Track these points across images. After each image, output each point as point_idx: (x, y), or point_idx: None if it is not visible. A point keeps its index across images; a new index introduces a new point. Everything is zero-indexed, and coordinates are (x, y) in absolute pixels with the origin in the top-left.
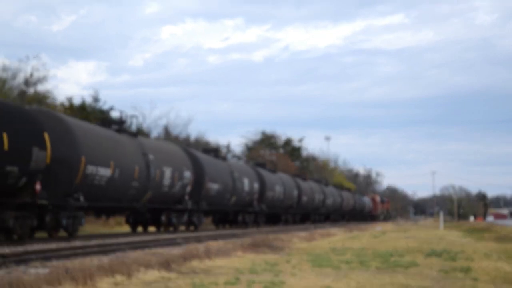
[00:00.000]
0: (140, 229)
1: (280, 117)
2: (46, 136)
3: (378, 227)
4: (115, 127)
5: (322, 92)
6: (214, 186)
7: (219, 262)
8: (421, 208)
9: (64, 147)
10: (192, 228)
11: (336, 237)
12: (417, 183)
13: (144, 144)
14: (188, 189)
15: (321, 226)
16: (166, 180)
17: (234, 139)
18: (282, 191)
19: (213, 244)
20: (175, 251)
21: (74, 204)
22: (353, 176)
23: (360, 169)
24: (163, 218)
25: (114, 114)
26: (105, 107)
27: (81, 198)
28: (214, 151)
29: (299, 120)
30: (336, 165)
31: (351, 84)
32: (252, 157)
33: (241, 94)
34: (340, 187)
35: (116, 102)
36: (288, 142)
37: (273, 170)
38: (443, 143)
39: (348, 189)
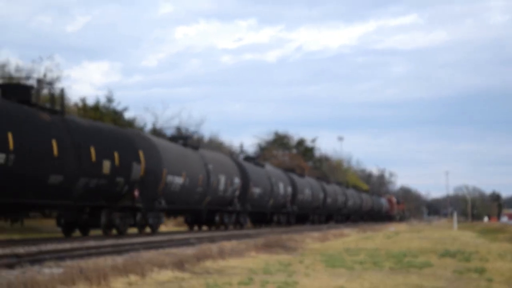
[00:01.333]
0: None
1: (293, 117)
2: (141, 153)
3: (392, 227)
4: (181, 141)
5: (334, 92)
6: (256, 190)
7: (232, 262)
8: (435, 209)
9: (152, 162)
10: (238, 226)
11: (349, 238)
12: (431, 183)
13: (205, 156)
14: (237, 193)
15: (335, 227)
16: (221, 186)
17: (247, 139)
18: (310, 194)
19: (227, 244)
20: (188, 251)
21: (158, 206)
22: (366, 176)
23: (373, 169)
24: (217, 218)
25: (128, 115)
26: (119, 107)
27: (163, 202)
28: (253, 159)
29: (312, 120)
30: (349, 166)
31: (364, 84)
32: (265, 158)
33: (254, 94)
34: (359, 189)
35: (129, 102)
36: (301, 142)
37: (302, 175)
38: (457, 143)
39: (366, 191)
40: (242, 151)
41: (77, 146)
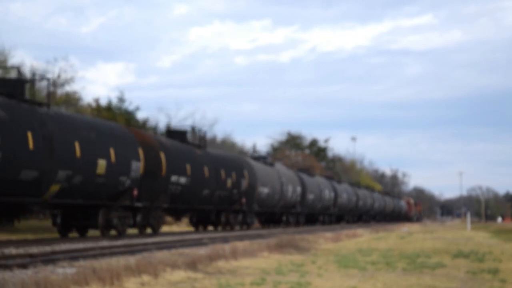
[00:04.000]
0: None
1: (306, 118)
2: (246, 172)
3: (405, 227)
4: (262, 160)
5: (348, 93)
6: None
7: (245, 262)
8: (448, 209)
9: (251, 177)
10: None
11: (362, 238)
12: (444, 184)
13: (279, 171)
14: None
15: (348, 227)
16: (289, 193)
17: (260, 140)
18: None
19: (239, 245)
20: (201, 251)
21: (254, 209)
22: (379, 177)
23: (387, 170)
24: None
25: (140, 115)
26: (131, 107)
27: (256, 206)
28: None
29: (325, 121)
30: (362, 166)
31: (378, 85)
32: (277, 158)
33: (268, 95)
34: (382, 192)
35: (144, 103)
36: (314, 142)
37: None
38: (470, 143)
39: (387, 193)
40: (255, 151)
41: (215, 170)
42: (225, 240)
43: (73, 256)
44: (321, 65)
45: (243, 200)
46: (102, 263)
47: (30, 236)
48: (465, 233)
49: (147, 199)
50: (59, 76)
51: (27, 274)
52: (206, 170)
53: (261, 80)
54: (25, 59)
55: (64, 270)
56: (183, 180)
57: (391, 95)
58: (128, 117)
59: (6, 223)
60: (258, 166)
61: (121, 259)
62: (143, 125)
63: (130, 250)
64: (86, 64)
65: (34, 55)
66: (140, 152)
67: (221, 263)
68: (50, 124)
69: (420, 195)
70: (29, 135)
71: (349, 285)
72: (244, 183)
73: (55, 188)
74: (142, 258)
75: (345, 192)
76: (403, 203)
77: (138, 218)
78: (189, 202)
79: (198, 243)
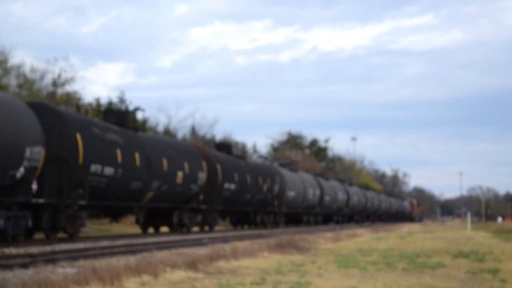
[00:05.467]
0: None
1: (306, 117)
2: (277, 179)
3: (405, 228)
4: (288, 167)
5: (348, 93)
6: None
7: (245, 262)
8: (448, 209)
9: (282, 184)
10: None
11: (362, 238)
12: (444, 184)
13: (302, 176)
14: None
15: (348, 227)
16: (310, 196)
17: (260, 140)
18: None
19: (239, 245)
20: (201, 251)
21: (283, 211)
22: (380, 177)
23: (387, 170)
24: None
25: (140, 115)
26: (131, 107)
27: (285, 208)
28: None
29: (325, 120)
30: (362, 166)
31: (378, 85)
32: (277, 158)
33: (268, 95)
34: (390, 194)
35: (144, 103)
36: (314, 142)
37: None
38: (471, 143)
39: (392, 195)
40: (255, 151)
41: (255, 177)
42: (226, 240)
43: (73, 256)
44: (321, 65)
45: (276, 202)
46: (102, 263)
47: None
48: (465, 233)
49: (208, 202)
50: (59, 76)
51: (27, 274)
52: (248, 178)
53: (261, 80)
54: (25, 59)
55: (64, 270)
56: (232, 186)
57: (391, 95)
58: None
59: (112, 221)
60: (285, 172)
61: (121, 259)
62: (143, 125)
63: (130, 250)
64: (86, 64)
65: (34, 55)
66: (204, 165)
67: (221, 263)
68: (148, 145)
69: (420, 195)
70: (137, 155)
71: (349, 285)
72: (276, 188)
73: (150, 195)
74: (142, 258)
75: (356, 194)
76: (406, 203)
77: (199, 218)
78: (236, 205)
79: (198, 243)
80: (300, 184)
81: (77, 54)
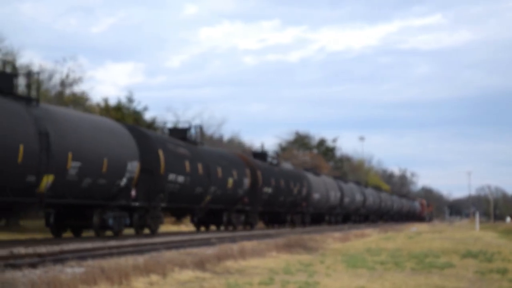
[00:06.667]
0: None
1: (314, 117)
2: (305, 183)
3: (413, 227)
4: (312, 171)
5: (356, 93)
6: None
7: (253, 262)
8: (457, 209)
9: (308, 187)
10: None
11: (370, 238)
12: (453, 184)
13: (325, 179)
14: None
15: (356, 227)
16: (332, 197)
17: (268, 140)
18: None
19: (247, 244)
20: (209, 251)
21: (309, 211)
22: (387, 177)
23: (395, 170)
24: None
25: (148, 115)
26: (139, 107)
27: (312, 209)
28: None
29: (333, 120)
30: (370, 166)
31: (386, 85)
32: (285, 157)
33: (276, 94)
34: (402, 195)
35: (152, 103)
36: (322, 142)
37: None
38: (479, 143)
39: (404, 195)
40: (262, 149)
41: (287, 181)
42: (233, 240)
43: (81, 255)
44: (329, 65)
45: (304, 203)
46: (111, 263)
47: (38, 236)
48: (473, 233)
49: (251, 204)
50: (67, 76)
51: (36, 273)
52: (281, 182)
53: (269, 80)
54: (34, 59)
55: (72, 270)
56: (269, 190)
57: (399, 95)
58: (136, 117)
59: (177, 220)
60: (311, 176)
61: (130, 258)
62: (151, 125)
63: (139, 250)
64: (95, 64)
65: (43, 55)
66: (247, 172)
67: (229, 263)
68: (206, 157)
69: (428, 195)
70: (199, 165)
71: (357, 285)
72: (304, 191)
73: (208, 198)
74: (150, 257)
75: (371, 196)
76: (417, 204)
77: (243, 217)
78: (272, 206)
79: (206, 242)
80: (323, 187)
81: (86, 54)
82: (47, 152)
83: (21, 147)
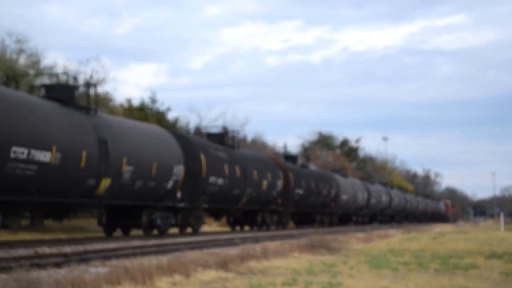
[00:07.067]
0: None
1: (337, 118)
2: (334, 184)
3: (437, 228)
4: (340, 172)
5: (379, 93)
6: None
7: (276, 262)
8: (481, 210)
9: (337, 188)
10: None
11: (393, 239)
12: (477, 184)
13: (352, 181)
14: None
15: (380, 227)
16: (359, 198)
17: (291, 140)
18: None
19: (270, 245)
20: (232, 251)
21: (338, 211)
22: (411, 177)
23: (419, 170)
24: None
25: (171, 115)
26: (162, 108)
27: (340, 210)
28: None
29: (356, 120)
30: (394, 166)
31: (409, 85)
32: (308, 158)
33: (299, 95)
34: (427, 195)
35: (175, 103)
36: (345, 142)
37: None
38: (504, 143)
39: (429, 196)
40: (285, 151)
41: (317, 183)
42: (256, 240)
43: (105, 255)
44: (352, 65)
45: (333, 204)
46: (134, 263)
47: (62, 236)
48: (498, 233)
49: (283, 205)
50: (91, 77)
51: (61, 273)
52: (312, 183)
53: (292, 80)
54: (58, 60)
55: (96, 270)
56: (300, 191)
57: (422, 95)
58: (159, 117)
59: (216, 220)
60: (339, 178)
61: (153, 258)
62: (174, 125)
63: (162, 250)
64: (118, 65)
65: (67, 56)
66: (280, 174)
67: (252, 263)
68: (243, 160)
69: (452, 195)
70: (237, 168)
71: (381, 286)
72: (333, 192)
73: (244, 199)
74: (173, 257)
75: (397, 196)
76: (442, 204)
77: (276, 217)
78: (302, 207)
79: (229, 243)
80: (351, 188)
81: (109, 55)
82: (105, 157)
83: (84, 154)
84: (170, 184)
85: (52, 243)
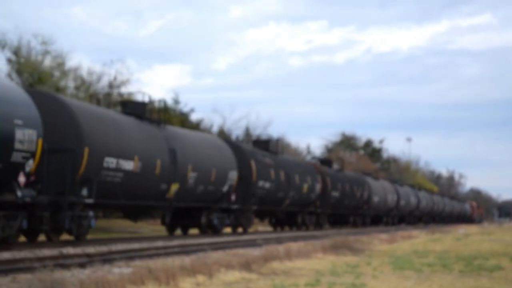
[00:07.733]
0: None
1: (361, 118)
2: (366, 186)
3: (461, 229)
4: (371, 175)
5: (403, 94)
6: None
7: (299, 263)
8: (506, 211)
9: (368, 190)
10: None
11: (417, 240)
12: (502, 185)
13: (382, 183)
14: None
15: (404, 228)
16: (389, 201)
17: (314, 141)
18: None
19: (293, 246)
20: (255, 252)
21: (368, 213)
22: (435, 178)
23: (443, 171)
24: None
25: (195, 116)
26: (185, 109)
27: (371, 211)
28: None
29: (379, 121)
30: (418, 167)
31: (434, 86)
32: (332, 159)
33: (322, 96)
34: (452, 197)
35: (199, 104)
36: (368, 143)
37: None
38: None
39: (455, 198)
40: (309, 152)
41: (351, 186)
42: (279, 241)
43: (129, 256)
44: (376, 65)
45: (365, 206)
46: (158, 263)
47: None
48: None
49: (321, 207)
50: (115, 78)
51: (85, 273)
52: (347, 186)
53: (315, 81)
54: (83, 62)
55: (120, 270)
56: (336, 194)
57: (447, 96)
58: (182, 118)
59: (261, 220)
60: (370, 181)
61: (176, 259)
62: (197, 126)
63: (185, 251)
64: (143, 66)
65: (92, 57)
66: (319, 178)
67: (275, 264)
68: (286, 165)
69: (477, 196)
70: (282, 173)
71: (405, 287)
72: (366, 194)
73: (287, 201)
74: (197, 258)
75: (424, 198)
76: (467, 206)
77: (314, 219)
78: (338, 208)
79: (252, 243)
80: (382, 190)
81: (134, 57)
82: (175, 165)
83: (159, 162)
84: (225, 188)
85: (76, 244)
